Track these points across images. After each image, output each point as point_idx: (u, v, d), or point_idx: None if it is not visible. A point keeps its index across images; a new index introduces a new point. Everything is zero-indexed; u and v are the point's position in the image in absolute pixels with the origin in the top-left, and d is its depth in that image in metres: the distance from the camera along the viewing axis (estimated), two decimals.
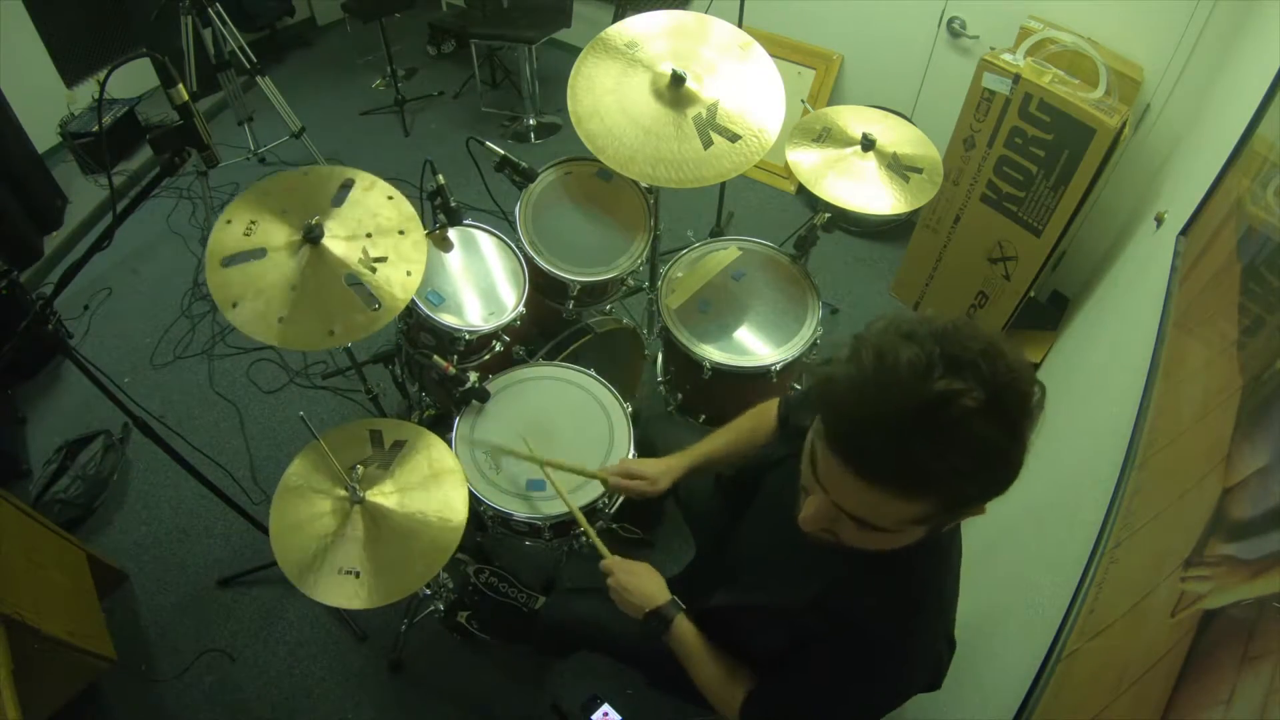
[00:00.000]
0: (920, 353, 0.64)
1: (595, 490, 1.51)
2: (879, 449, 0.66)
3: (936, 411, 0.62)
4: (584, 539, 1.57)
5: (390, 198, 1.49)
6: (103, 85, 1.33)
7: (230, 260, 1.35)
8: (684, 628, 1.11)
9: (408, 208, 1.49)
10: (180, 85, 1.26)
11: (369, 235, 1.43)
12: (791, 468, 0.93)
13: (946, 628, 0.91)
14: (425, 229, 1.73)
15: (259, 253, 1.37)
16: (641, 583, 1.17)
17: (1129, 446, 1.14)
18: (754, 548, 1.12)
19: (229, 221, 1.38)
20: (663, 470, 1.33)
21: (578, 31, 3.45)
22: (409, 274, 1.41)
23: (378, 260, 1.40)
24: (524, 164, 1.75)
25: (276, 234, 1.39)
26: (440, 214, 1.70)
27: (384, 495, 1.33)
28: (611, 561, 1.22)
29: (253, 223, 1.39)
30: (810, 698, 0.92)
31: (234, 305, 1.32)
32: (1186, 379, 1.12)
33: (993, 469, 0.66)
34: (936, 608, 0.89)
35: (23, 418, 2.39)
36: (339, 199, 1.45)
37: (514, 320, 1.72)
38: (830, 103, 3.07)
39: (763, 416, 1.30)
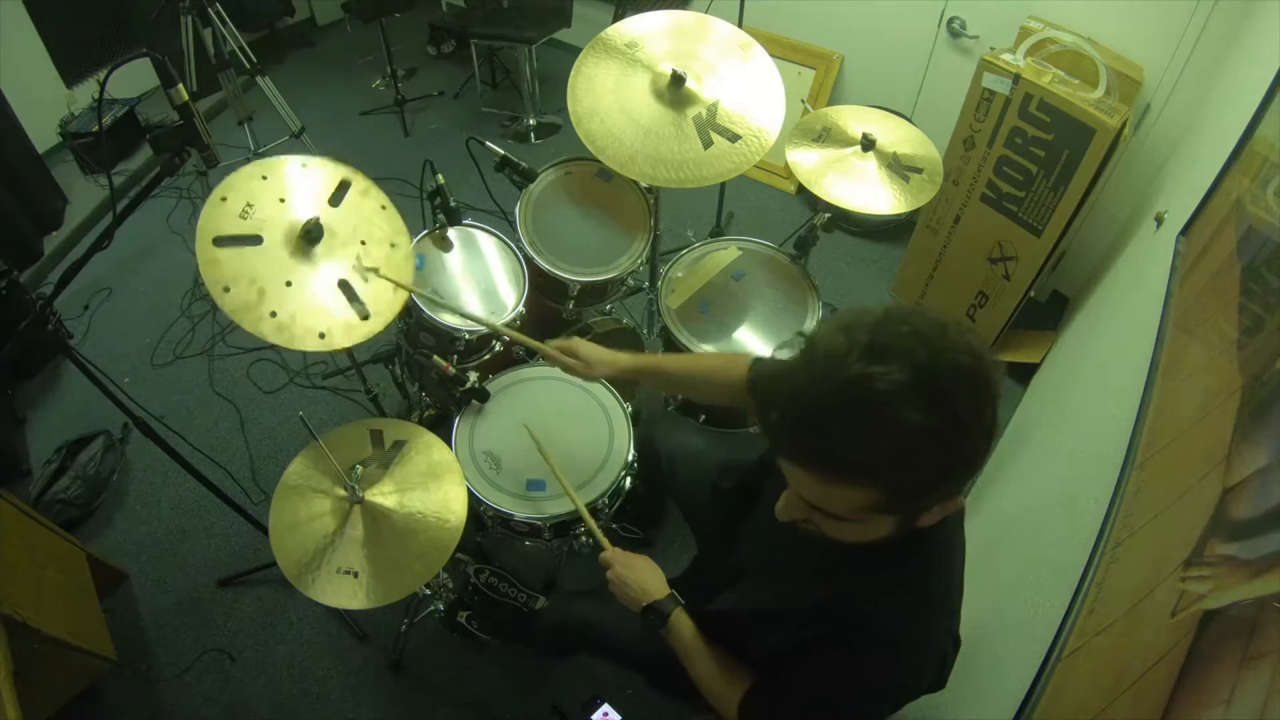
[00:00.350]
0: (843, 341, 0.65)
1: (594, 491, 1.51)
2: (805, 437, 0.68)
3: (852, 395, 0.63)
4: (584, 539, 1.58)
5: (384, 207, 1.47)
6: (103, 85, 1.33)
7: (224, 241, 1.29)
8: (682, 623, 1.11)
9: (398, 221, 1.47)
10: (180, 85, 1.26)
11: (363, 243, 1.42)
12: None
13: (950, 625, 0.91)
14: (425, 229, 1.75)
15: (255, 239, 1.32)
16: (640, 576, 1.16)
17: (1129, 446, 1.14)
18: (756, 551, 1.11)
19: (223, 199, 1.30)
20: (605, 360, 1.28)
21: (578, 31, 3.45)
22: (395, 291, 1.41)
23: (370, 270, 1.39)
24: (524, 164, 1.75)
25: (274, 222, 1.34)
26: (440, 214, 1.70)
27: (383, 495, 1.33)
28: (611, 554, 1.21)
29: (249, 206, 1.33)
30: (814, 697, 0.92)
31: (226, 290, 1.26)
32: (1186, 379, 1.12)
33: (926, 452, 0.65)
34: (941, 605, 0.89)
35: (23, 418, 2.39)
36: (337, 199, 1.44)
37: (514, 320, 1.72)
38: (830, 103, 3.07)
39: (732, 365, 1.22)
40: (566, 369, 1.32)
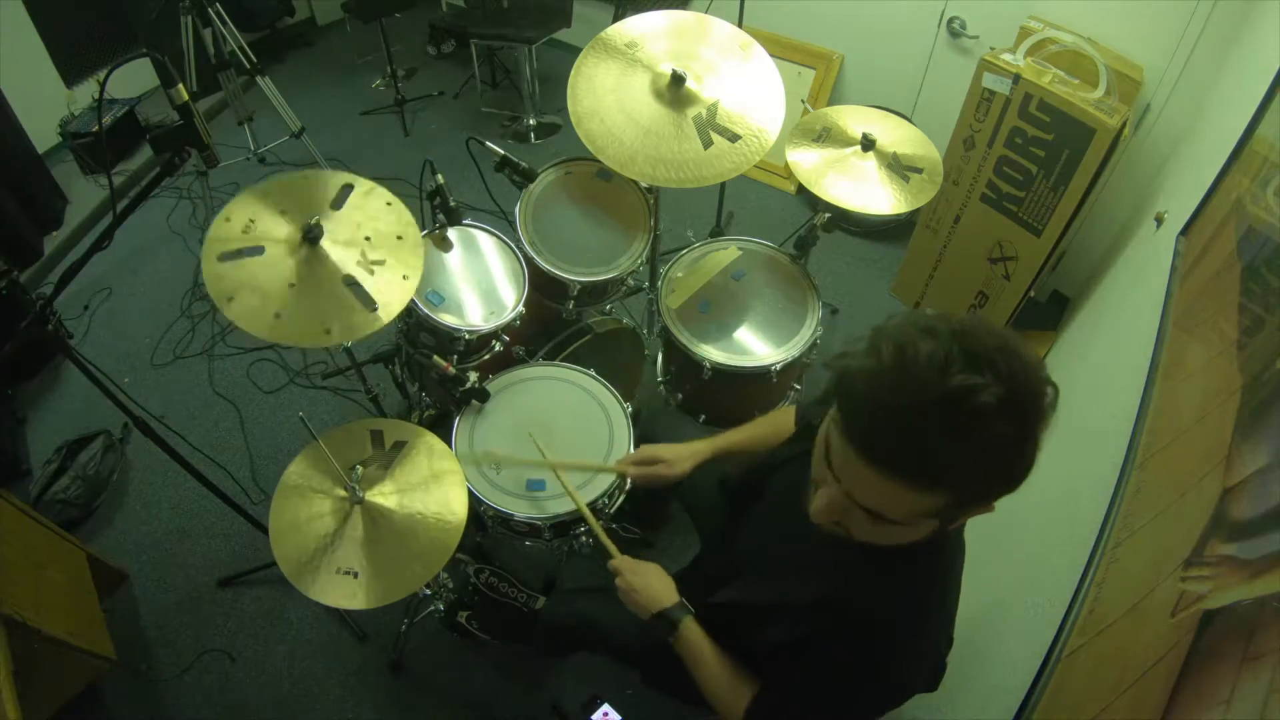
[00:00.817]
0: (939, 348, 0.65)
1: (595, 490, 1.51)
2: (896, 442, 0.67)
3: (954, 406, 0.63)
4: (584, 538, 1.58)
5: (389, 203, 1.48)
6: (103, 85, 1.32)
7: (227, 255, 1.34)
8: (691, 630, 1.11)
9: (406, 214, 1.48)
10: (180, 85, 1.26)
11: (368, 239, 1.43)
12: (798, 468, 0.93)
13: (948, 626, 0.91)
14: (425, 229, 1.74)
15: (257, 249, 1.36)
16: (649, 583, 1.17)
17: (1129, 446, 1.14)
18: (760, 546, 1.11)
19: (228, 219, 1.37)
20: (685, 454, 1.32)
21: (578, 31, 3.45)
22: (405, 278, 1.40)
23: (376, 263, 1.40)
24: (524, 164, 1.75)
25: (275, 232, 1.39)
26: (440, 214, 1.70)
27: (384, 495, 1.33)
28: (620, 561, 1.22)
29: (251, 221, 1.39)
30: (816, 694, 0.92)
31: (229, 299, 1.31)
32: (1186, 379, 1.12)
33: (1006, 464, 0.67)
34: (941, 605, 0.89)
35: (23, 418, 2.39)
36: (339, 202, 1.46)
37: (514, 320, 1.72)
38: (830, 103, 3.07)
39: (782, 420, 1.30)
40: (654, 479, 1.32)
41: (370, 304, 1.36)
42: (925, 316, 0.69)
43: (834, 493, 0.76)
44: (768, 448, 1.28)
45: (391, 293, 1.39)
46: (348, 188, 1.47)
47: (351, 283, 1.37)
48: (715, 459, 1.34)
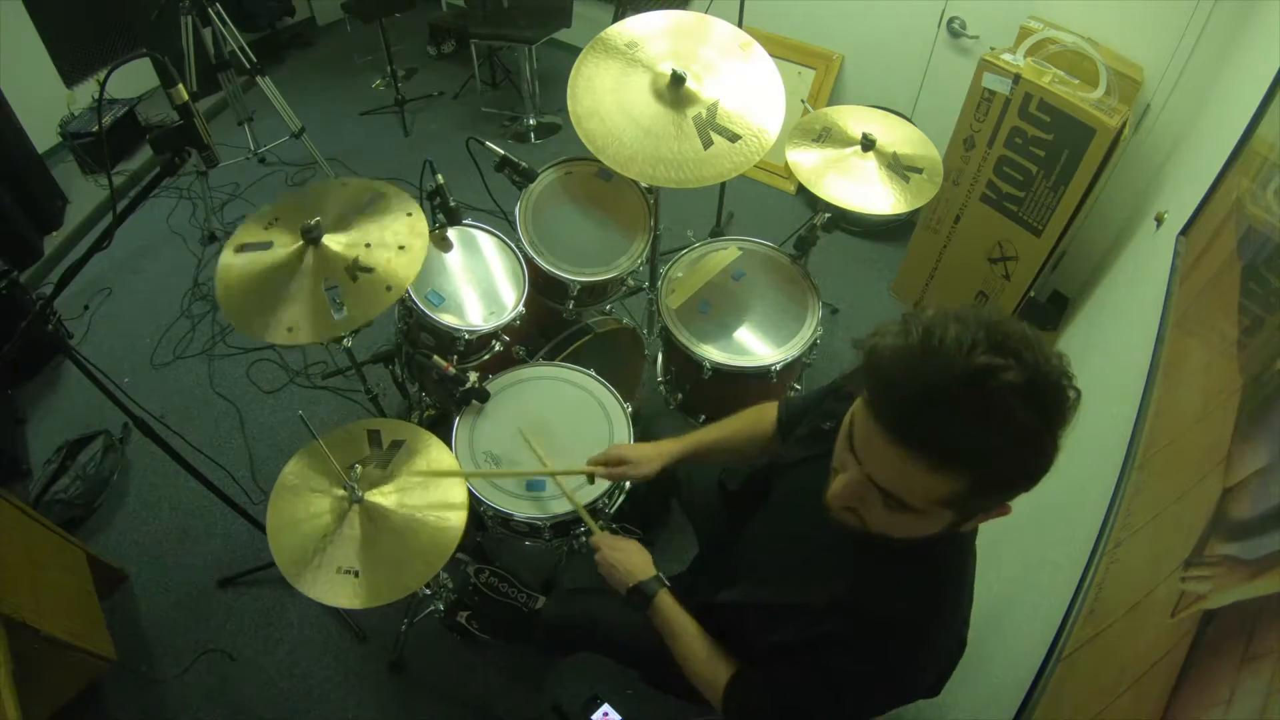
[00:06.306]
0: (966, 331, 0.67)
1: (594, 491, 1.51)
2: (920, 417, 0.68)
3: (977, 383, 0.65)
4: (584, 538, 1.58)
5: (410, 214, 1.49)
6: (103, 85, 1.33)
7: (242, 248, 1.43)
8: (666, 603, 1.13)
9: (422, 225, 1.48)
10: (180, 85, 1.26)
11: (368, 245, 1.44)
12: (808, 471, 0.93)
13: (961, 632, 0.91)
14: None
15: (265, 244, 1.42)
16: (626, 558, 1.19)
17: (1129, 446, 1.14)
18: (766, 549, 1.11)
19: (260, 216, 1.49)
20: (652, 454, 1.31)
21: (578, 31, 3.45)
22: (389, 289, 1.41)
23: (363, 270, 1.41)
24: (524, 164, 1.75)
25: (290, 229, 1.44)
26: (440, 214, 1.70)
27: (383, 495, 1.33)
28: (599, 538, 1.25)
29: (275, 219, 1.45)
30: (814, 688, 0.92)
31: (227, 286, 1.40)
32: (1186, 379, 1.12)
33: (1025, 451, 0.67)
34: (954, 610, 0.89)
35: (23, 418, 2.39)
36: (363, 208, 1.50)
37: (514, 320, 1.72)
38: (830, 103, 3.07)
39: (761, 416, 1.30)
40: (621, 479, 1.32)
41: (339, 310, 1.39)
42: (961, 308, 0.71)
43: (854, 475, 0.77)
44: (746, 443, 1.29)
45: (368, 302, 1.40)
46: (377, 195, 1.52)
47: (332, 289, 1.39)
48: (696, 458, 1.33)
